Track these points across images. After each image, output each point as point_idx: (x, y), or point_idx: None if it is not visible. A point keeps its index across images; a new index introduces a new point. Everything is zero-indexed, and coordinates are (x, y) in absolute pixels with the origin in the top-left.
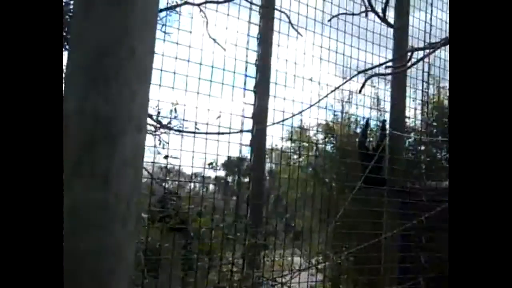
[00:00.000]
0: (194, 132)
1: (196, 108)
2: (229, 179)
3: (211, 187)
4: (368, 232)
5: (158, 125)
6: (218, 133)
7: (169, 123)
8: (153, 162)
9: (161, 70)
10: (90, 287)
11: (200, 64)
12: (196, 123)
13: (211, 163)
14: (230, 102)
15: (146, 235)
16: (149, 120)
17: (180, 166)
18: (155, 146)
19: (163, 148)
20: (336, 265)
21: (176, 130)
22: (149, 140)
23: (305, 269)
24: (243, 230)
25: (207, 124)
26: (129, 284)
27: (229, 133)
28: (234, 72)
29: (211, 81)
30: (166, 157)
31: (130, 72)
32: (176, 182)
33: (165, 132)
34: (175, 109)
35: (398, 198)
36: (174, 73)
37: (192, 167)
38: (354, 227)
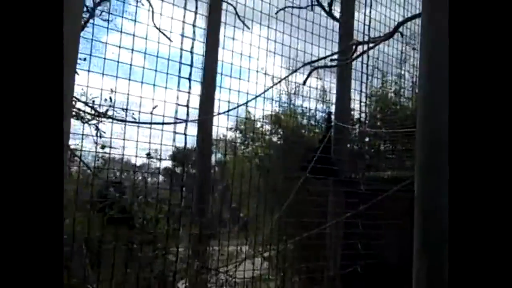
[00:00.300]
0: (138, 122)
1: (141, 97)
2: (176, 170)
3: (156, 178)
4: (314, 221)
5: (95, 114)
6: (163, 123)
7: (107, 111)
8: (96, 151)
9: (104, 59)
10: None
11: (145, 53)
12: (139, 113)
13: (148, 153)
14: (175, 92)
15: (88, 225)
16: (87, 109)
17: (124, 155)
18: (100, 136)
19: (100, 137)
20: (282, 254)
21: (119, 120)
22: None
23: (249, 258)
24: (190, 220)
25: (151, 114)
26: None
27: (174, 123)
28: (180, 63)
29: (155, 70)
30: (103, 147)
31: None
32: (119, 173)
33: (101, 121)
34: (110, 98)
35: (343, 188)
36: (118, 62)
37: (136, 156)
38: (300, 216)
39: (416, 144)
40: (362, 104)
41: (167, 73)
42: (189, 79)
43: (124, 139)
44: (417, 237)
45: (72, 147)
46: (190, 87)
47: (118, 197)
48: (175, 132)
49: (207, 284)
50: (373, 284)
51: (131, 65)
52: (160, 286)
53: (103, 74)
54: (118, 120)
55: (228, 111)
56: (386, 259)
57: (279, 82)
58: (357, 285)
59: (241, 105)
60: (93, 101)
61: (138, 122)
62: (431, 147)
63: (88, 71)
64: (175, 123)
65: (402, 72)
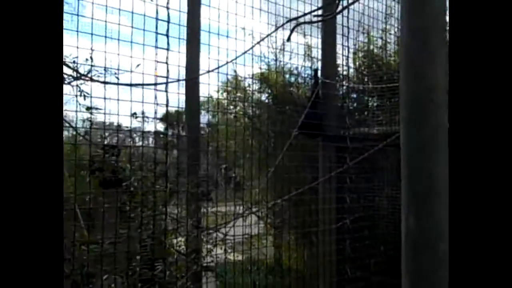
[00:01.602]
0: (119, 84)
1: (118, 55)
2: (166, 132)
3: (145, 141)
4: (305, 176)
5: (77, 74)
6: (143, 84)
7: (89, 72)
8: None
9: (77, 15)
10: None
11: (119, 10)
12: (117, 72)
13: (134, 113)
14: (157, 51)
15: (74, 187)
16: (67, 70)
17: (109, 114)
18: (84, 97)
19: (84, 99)
20: (274, 211)
21: (101, 82)
22: (68, 90)
23: (241, 216)
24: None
25: (143, 73)
26: None
27: (156, 84)
28: (157, 19)
29: (132, 27)
30: (88, 108)
31: None
32: (102, 136)
33: (84, 83)
34: (91, 58)
35: (333, 143)
36: (92, 18)
37: (133, 117)
38: (292, 172)
39: (400, 98)
40: (347, 59)
41: (143, 30)
42: (167, 36)
43: (118, 101)
44: (404, 189)
45: None
46: (168, 44)
47: (109, 159)
48: (156, 90)
49: (201, 243)
50: (364, 237)
51: (106, 21)
52: (153, 246)
53: (77, 32)
54: (100, 82)
55: (215, 69)
56: (377, 212)
57: (263, 39)
58: (348, 238)
59: (228, 62)
60: (74, 61)
61: (120, 84)
62: (413, 100)
63: (64, 30)
64: (156, 84)
65: (388, 26)
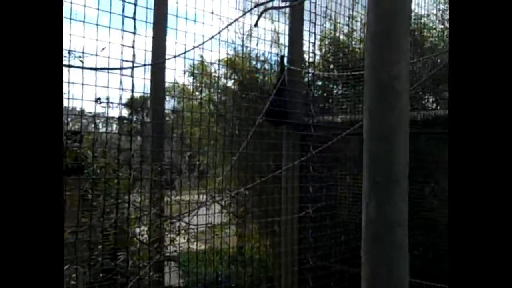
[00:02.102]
0: (83, 68)
1: (83, 38)
2: (130, 118)
3: (110, 127)
4: (269, 165)
5: None
6: (108, 68)
7: None
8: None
9: None
10: None
11: None
12: (82, 55)
13: (98, 99)
14: (120, 34)
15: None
16: None
17: (71, 99)
18: None
19: None
20: (238, 200)
21: (64, 66)
22: None
23: (204, 205)
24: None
25: (108, 57)
26: None
27: (121, 68)
28: (124, 1)
29: (98, 9)
30: None
31: None
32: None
33: None
34: None
35: (297, 132)
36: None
37: (97, 102)
38: (256, 160)
39: (364, 86)
40: (314, 46)
41: (110, 12)
42: (134, 19)
43: (82, 85)
44: (365, 178)
45: None
46: (135, 27)
47: (72, 146)
48: (121, 74)
49: (163, 232)
50: (325, 226)
51: (71, 3)
52: (116, 234)
53: None
54: (71, 66)
55: (182, 54)
56: (339, 201)
57: (231, 24)
58: (310, 228)
59: (196, 47)
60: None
61: (84, 68)
62: (377, 88)
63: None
64: (121, 68)
65: (354, 13)
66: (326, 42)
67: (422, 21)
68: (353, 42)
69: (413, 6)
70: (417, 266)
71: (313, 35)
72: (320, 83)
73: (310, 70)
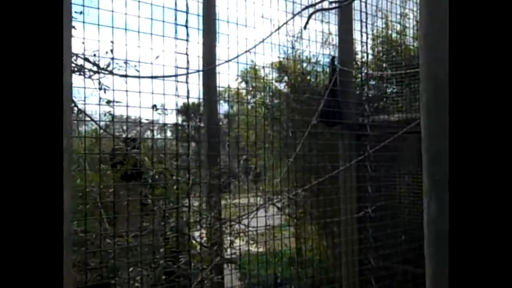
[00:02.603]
0: (139, 77)
1: (139, 47)
2: (184, 124)
3: (164, 134)
4: (325, 166)
5: (97, 69)
6: (164, 76)
7: (108, 65)
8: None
9: (98, 8)
10: None
11: (139, 1)
12: (139, 64)
13: (154, 106)
14: (173, 42)
15: (100, 181)
16: (86, 64)
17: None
18: (102, 88)
19: (104, 92)
20: (295, 201)
21: (120, 75)
22: (89, 84)
23: (262, 207)
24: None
25: (163, 65)
26: (67, 231)
27: (176, 75)
28: (176, 10)
29: (151, 19)
30: (108, 102)
31: None
32: (122, 130)
33: (104, 76)
34: (111, 51)
35: (352, 131)
36: (112, 11)
37: (153, 109)
38: (312, 162)
39: (420, 84)
40: (366, 45)
41: (163, 21)
42: (186, 27)
43: (140, 93)
44: (425, 176)
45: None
46: (187, 35)
47: (131, 152)
48: (176, 81)
49: (222, 235)
50: (385, 226)
51: (126, 14)
52: (176, 238)
53: (98, 25)
54: (120, 75)
55: (233, 58)
56: (398, 200)
57: (280, 27)
58: (370, 227)
59: (247, 51)
60: (94, 55)
61: (140, 77)
62: (434, 85)
63: (84, 23)
64: (176, 75)
65: (406, 11)
66: (379, 41)
67: None
68: (406, 40)
69: None
70: None
71: (364, 34)
72: (373, 82)
73: (362, 69)
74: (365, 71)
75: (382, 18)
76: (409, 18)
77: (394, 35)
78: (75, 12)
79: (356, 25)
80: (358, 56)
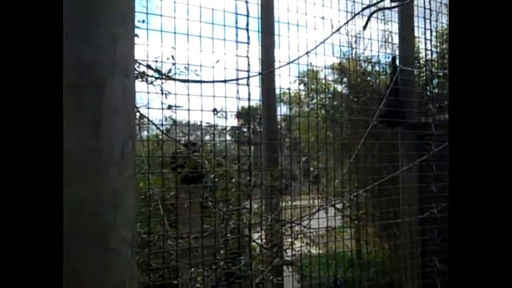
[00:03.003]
0: (200, 81)
1: (201, 51)
2: (244, 128)
3: (224, 137)
4: (386, 166)
5: (159, 74)
6: (225, 81)
7: (169, 71)
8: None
9: (161, 16)
10: (90, 242)
11: (200, 7)
12: (200, 69)
13: (215, 109)
14: (234, 45)
15: (162, 184)
16: (149, 71)
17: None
18: (163, 93)
19: (166, 98)
20: (355, 202)
21: (181, 81)
22: (151, 90)
23: (322, 208)
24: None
25: (224, 69)
26: (132, 233)
27: (237, 79)
28: (236, 14)
29: (212, 23)
30: (170, 107)
31: (110, 14)
32: (183, 134)
33: (165, 82)
34: (172, 56)
35: (415, 131)
36: (174, 18)
37: (214, 113)
38: (372, 162)
39: None
40: (429, 42)
41: (224, 25)
42: (247, 30)
43: (188, 97)
44: None
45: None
46: (248, 38)
47: (192, 156)
48: (237, 84)
49: (282, 236)
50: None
51: (188, 19)
52: (236, 239)
53: (161, 31)
54: (181, 80)
55: (290, 62)
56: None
57: (340, 28)
58: (435, 229)
59: (307, 53)
60: (156, 61)
61: (201, 81)
62: None
63: (147, 30)
64: (237, 79)
65: None
66: (443, 39)
67: None
68: None
69: None
70: None
71: (428, 31)
72: (437, 81)
73: (426, 68)
74: (428, 69)
75: (446, 14)
76: None
77: None
78: (138, 21)
79: (419, 23)
80: (421, 55)
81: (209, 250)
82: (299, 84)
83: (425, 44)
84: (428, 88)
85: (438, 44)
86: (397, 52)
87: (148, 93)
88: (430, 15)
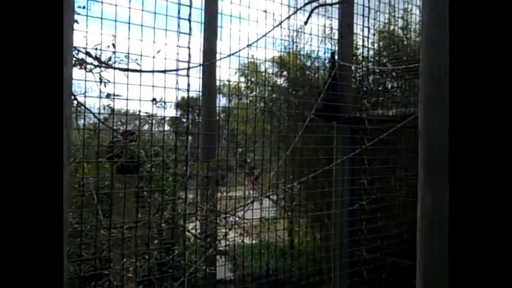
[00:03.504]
0: (140, 71)
1: (142, 41)
2: (183, 118)
3: (162, 127)
4: (320, 159)
5: (98, 62)
6: (165, 71)
7: (109, 59)
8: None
9: (102, 2)
10: None
11: None
12: (140, 58)
13: (154, 99)
14: (175, 36)
15: (97, 173)
16: (88, 58)
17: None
18: (102, 82)
19: (105, 86)
20: (290, 194)
21: (121, 69)
22: (90, 78)
23: (256, 200)
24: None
25: (164, 59)
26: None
27: (177, 69)
28: (179, 4)
29: (154, 13)
30: (108, 95)
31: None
32: (121, 123)
33: (104, 70)
34: (113, 45)
35: (349, 126)
36: (116, 5)
37: (153, 103)
38: (307, 155)
39: (420, 79)
40: (367, 40)
41: (166, 15)
42: (189, 20)
43: (127, 86)
44: (421, 169)
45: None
46: (190, 29)
47: (129, 145)
48: (177, 75)
49: (216, 227)
50: (378, 218)
51: (130, 8)
52: (171, 230)
53: (101, 19)
54: (121, 69)
55: (231, 54)
56: (391, 194)
57: (282, 22)
58: (364, 221)
59: (246, 46)
60: (96, 49)
61: (141, 71)
62: (433, 80)
63: (87, 17)
64: (177, 69)
65: (410, 6)
66: (379, 36)
67: None
68: (409, 35)
69: None
70: None
71: (366, 29)
72: (373, 77)
73: (363, 64)
74: (365, 66)
75: (384, 13)
76: (412, 14)
77: (397, 30)
78: (78, 7)
79: (358, 20)
80: (359, 51)
81: (143, 240)
82: (240, 76)
83: (363, 41)
84: (363, 84)
85: (375, 41)
86: (336, 48)
87: (86, 81)
88: (369, 13)
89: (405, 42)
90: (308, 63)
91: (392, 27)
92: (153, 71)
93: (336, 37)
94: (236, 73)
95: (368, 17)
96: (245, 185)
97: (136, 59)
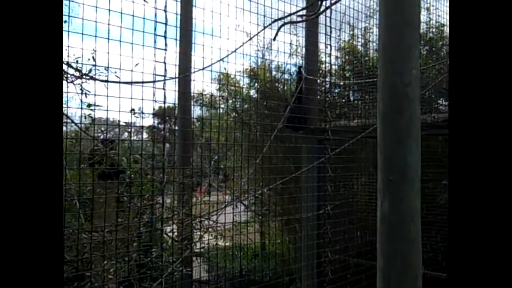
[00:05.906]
0: (119, 82)
1: (120, 55)
2: (162, 126)
3: (141, 136)
4: (289, 167)
5: (79, 74)
6: (143, 82)
7: (90, 71)
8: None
9: (82, 19)
10: None
11: (121, 13)
12: (119, 71)
13: (132, 110)
14: (152, 50)
15: (79, 179)
16: (69, 70)
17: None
18: (83, 92)
19: (86, 97)
20: (261, 199)
21: (101, 81)
22: (72, 89)
23: (229, 205)
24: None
25: (142, 72)
26: None
27: (154, 81)
28: (156, 22)
29: (132, 29)
30: (89, 105)
31: None
32: (101, 131)
33: (85, 81)
34: (93, 58)
35: (315, 136)
36: (96, 21)
37: (131, 113)
38: (277, 163)
39: (378, 93)
40: (330, 56)
41: (143, 32)
42: (165, 37)
43: (120, 98)
44: (380, 177)
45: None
46: (166, 44)
47: (109, 153)
48: (154, 87)
49: (192, 230)
50: (342, 222)
51: (109, 24)
52: (150, 232)
53: (82, 34)
54: (101, 80)
55: (207, 66)
56: (355, 199)
57: (252, 38)
58: (328, 224)
59: (220, 60)
60: (77, 61)
61: (120, 82)
62: (390, 94)
63: (68, 31)
64: (154, 81)
65: (369, 25)
66: (343, 52)
67: (443, 29)
68: (369, 52)
69: (434, 17)
70: (433, 258)
71: (329, 46)
72: (337, 90)
73: (327, 78)
74: (329, 79)
75: (345, 32)
76: (372, 32)
77: (358, 47)
78: None
79: (322, 38)
80: (324, 66)
81: (123, 243)
82: (214, 88)
83: (325, 57)
84: (328, 96)
85: (339, 57)
86: (303, 63)
87: (67, 92)
88: (331, 32)
89: (366, 58)
90: (278, 77)
91: (354, 44)
92: (131, 83)
93: (303, 53)
94: (210, 85)
95: (330, 36)
96: (219, 191)
97: (116, 72)
